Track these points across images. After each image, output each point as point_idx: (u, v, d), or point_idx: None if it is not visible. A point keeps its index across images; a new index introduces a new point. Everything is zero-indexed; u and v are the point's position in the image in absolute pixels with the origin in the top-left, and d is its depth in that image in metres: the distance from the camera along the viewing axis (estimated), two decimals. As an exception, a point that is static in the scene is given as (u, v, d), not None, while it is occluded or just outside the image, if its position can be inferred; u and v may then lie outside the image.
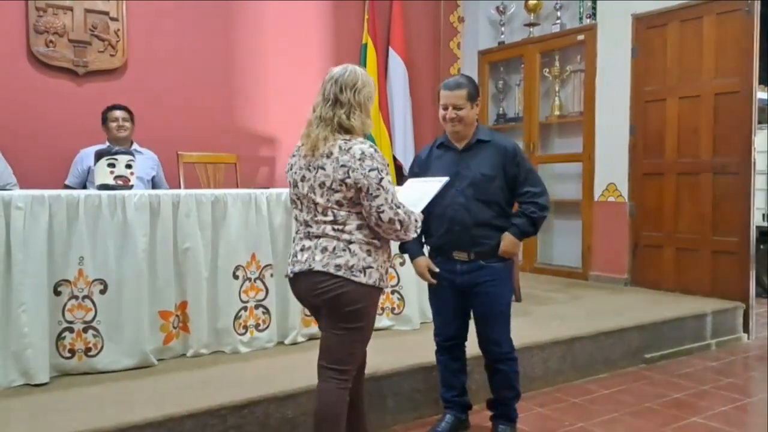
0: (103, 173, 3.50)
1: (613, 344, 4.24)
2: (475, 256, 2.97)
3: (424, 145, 3.25)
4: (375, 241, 2.42)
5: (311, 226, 2.42)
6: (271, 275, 3.75)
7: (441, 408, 3.24)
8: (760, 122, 5.35)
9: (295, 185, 2.48)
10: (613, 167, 5.88)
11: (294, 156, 2.52)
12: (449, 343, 3.14)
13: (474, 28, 7.19)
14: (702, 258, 5.29)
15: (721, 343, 4.85)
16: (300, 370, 3.27)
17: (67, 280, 3.20)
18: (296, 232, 2.53)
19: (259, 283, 3.72)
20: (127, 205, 3.32)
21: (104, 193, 3.33)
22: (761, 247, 5.98)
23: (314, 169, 2.39)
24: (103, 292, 3.27)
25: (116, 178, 3.50)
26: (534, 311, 4.73)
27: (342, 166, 2.33)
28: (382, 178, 2.32)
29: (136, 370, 3.29)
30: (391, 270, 3.99)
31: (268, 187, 4.18)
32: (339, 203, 2.36)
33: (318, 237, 2.39)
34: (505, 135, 6.19)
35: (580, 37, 6.17)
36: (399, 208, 2.36)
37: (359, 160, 2.32)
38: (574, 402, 3.69)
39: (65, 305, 3.20)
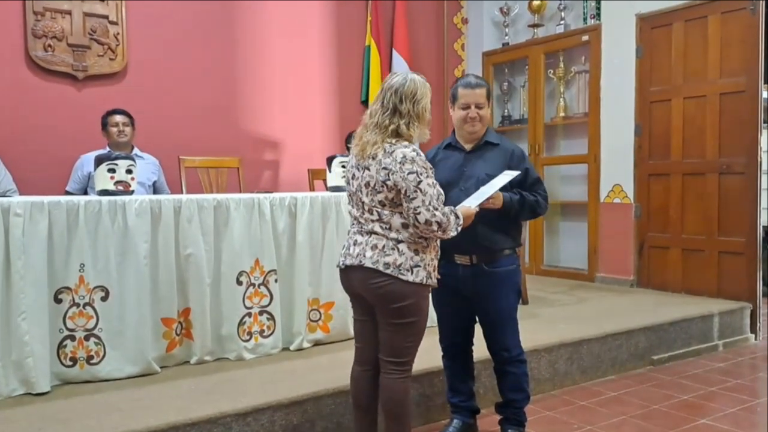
0: (103, 179, 3.47)
1: (620, 346, 4.22)
2: (477, 260, 2.93)
3: (426, 147, 3.19)
4: (422, 240, 2.53)
5: (362, 223, 2.57)
6: (276, 281, 3.72)
7: (448, 413, 3.21)
8: (766, 122, 5.32)
9: (348, 182, 2.64)
10: (618, 168, 5.84)
11: (351, 155, 2.66)
12: (455, 348, 3.12)
13: (478, 29, 7.17)
14: (708, 259, 5.26)
15: (729, 344, 4.82)
16: (305, 377, 3.26)
17: (67, 288, 3.17)
18: (351, 226, 2.67)
19: (263, 288, 3.68)
20: (127, 210, 3.29)
21: (104, 198, 3.29)
22: (768, 246, 5.95)
23: (362, 169, 2.53)
24: (104, 299, 3.23)
25: (117, 183, 3.46)
26: (541, 313, 4.70)
27: (384, 168, 2.44)
28: (420, 181, 2.41)
29: (139, 378, 3.26)
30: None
31: (272, 192, 4.15)
32: (381, 203, 2.48)
33: (369, 234, 2.53)
34: (510, 136, 6.20)
35: (585, 38, 6.13)
36: (437, 210, 2.44)
37: (400, 163, 2.42)
38: (582, 404, 3.66)
39: (66, 313, 3.17)
